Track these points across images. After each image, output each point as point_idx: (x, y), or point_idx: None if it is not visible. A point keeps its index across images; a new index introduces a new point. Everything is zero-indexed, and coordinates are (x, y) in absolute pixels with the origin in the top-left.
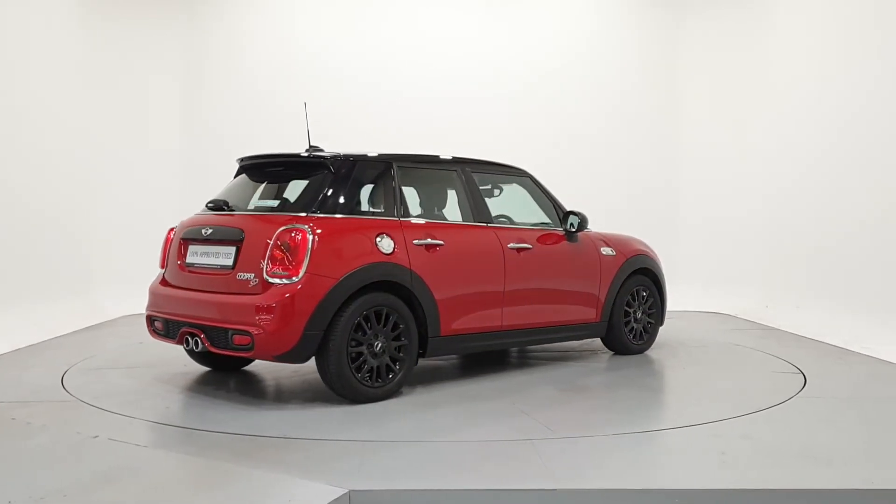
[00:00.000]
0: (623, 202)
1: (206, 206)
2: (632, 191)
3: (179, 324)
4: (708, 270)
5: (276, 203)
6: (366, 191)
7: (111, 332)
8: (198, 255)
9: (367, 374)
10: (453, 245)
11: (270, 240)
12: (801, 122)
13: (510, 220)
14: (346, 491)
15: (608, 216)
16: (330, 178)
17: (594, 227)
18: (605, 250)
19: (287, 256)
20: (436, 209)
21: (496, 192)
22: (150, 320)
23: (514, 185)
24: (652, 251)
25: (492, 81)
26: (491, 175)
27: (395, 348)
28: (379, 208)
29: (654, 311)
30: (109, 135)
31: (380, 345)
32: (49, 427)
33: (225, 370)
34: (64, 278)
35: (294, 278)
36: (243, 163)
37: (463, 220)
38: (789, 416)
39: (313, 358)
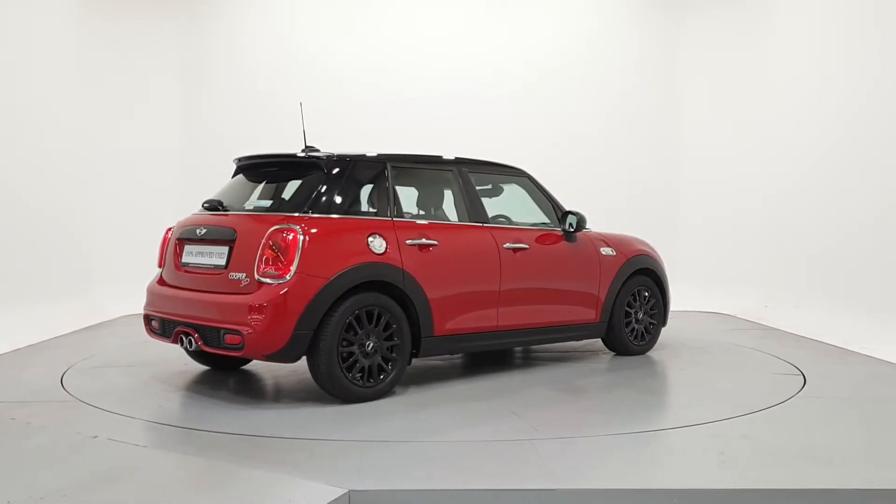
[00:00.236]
0: (623, 202)
1: (202, 205)
2: (632, 191)
3: (175, 323)
4: (708, 270)
5: (269, 203)
6: (359, 191)
7: (111, 332)
8: (193, 255)
9: (359, 374)
10: (447, 245)
11: (262, 240)
12: (801, 122)
13: (509, 221)
14: (346, 491)
15: (608, 216)
16: (323, 179)
17: (594, 227)
18: (605, 250)
19: (278, 256)
20: (431, 209)
21: (497, 192)
22: (148, 319)
23: (513, 185)
24: (654, 251)
25: (492, 81)
26: (489, 175)
27: (388, 348)
28: (372, 208)
29: (655, 311)
30: (109, 135)
31: (371, 344)
32: (48, 427)
33: (224, 369)
34: (63, 278)
35: (284, 278)
36: (240, 163)
37: (459, 221)
38: (789, 416)
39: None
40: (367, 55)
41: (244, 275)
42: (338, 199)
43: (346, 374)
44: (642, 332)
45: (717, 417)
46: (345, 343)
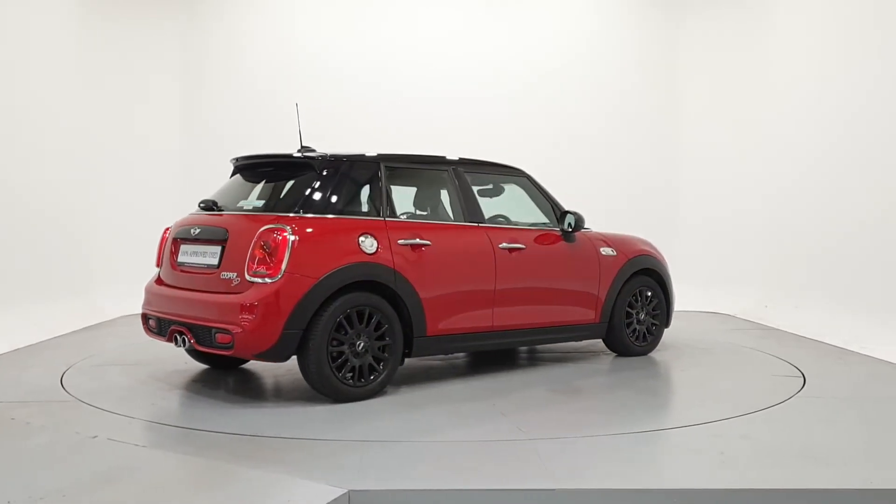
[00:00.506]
0: (623, 202)
1: (199, 205)
2: (632, 191)
3: (170, 322)
4: (707, 270)
5: (261, 203)
6: (351, 191)
7: (110, 331)
8: (188, 255)
9: (350, 374)
10: (441, 245)
11: (252, 240)
12: (801, 122)
13: (507, 221)
14: (346, 491)
15: (608, 216)
16: (315, 179)
17: (594, 227)
18: (606, 250)
19: (268, 256)
20: (427, 209)
21: (497, 192)
22: (145, 318)
23: (512, 185)
24: (657, 252)
25: (492, 81)
26: (487, 175)
27: (380, 348)
28: (364, 208)
29: (658, 312)
30: (109, 135)
31: (362, 344)
32: (48, 427)
33: (223, 368)
34: (63, 278)
35: (274, 278)
36: (237, 163)
37: (454, 221)
38: (789, 416)
39: None
40: (367, 55)
41: (235, 274)
42: (329, 200)
43: (336, 373)
44: (644, 333)
45: (717, 417)
46: (335, 342)
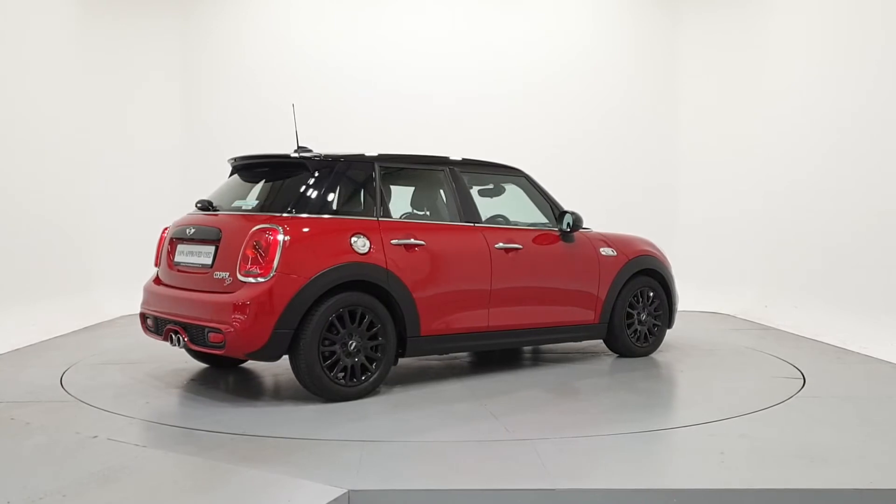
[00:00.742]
0: (622, 202)
1: (196, 205)
2: (631, 191)
3: (166, 321)
4: (706, 270)
5: (255, 203)
6: (345, 191)
7: (110, 331)
8: (184, 255)
9: (342, 373)
10: (435, 245)
11: (244, 240)
12: (800, 122)
13: (506, 221)
14: (346, 491)
15: (607, 216)
16: (309, 179)
17: (595, 227)
18: (606, 251)
19: (259, 256)
20: (424, 210)
21: (498, 191)
22: (143, 318)
23: (510, 185)
24: (659, 252)
25: (491, 81)
26: (485, 175)
27: (372, 348)
28: (358, 208)
29: (660, 313)
30: (108, 135)
31: (354, 344)
32: (48, 427)
33: (223, 367)
34: (63, 278)
35: (264, 278)
36: (234, 163)
37: (450, 221)
38: (788, 416)
39: None
40: (366, 55)
41: (227, 274)
42: (322, 200)
43: (328, 372)
44: (645, 334)
45: (717, 417)
46: (326, 342)
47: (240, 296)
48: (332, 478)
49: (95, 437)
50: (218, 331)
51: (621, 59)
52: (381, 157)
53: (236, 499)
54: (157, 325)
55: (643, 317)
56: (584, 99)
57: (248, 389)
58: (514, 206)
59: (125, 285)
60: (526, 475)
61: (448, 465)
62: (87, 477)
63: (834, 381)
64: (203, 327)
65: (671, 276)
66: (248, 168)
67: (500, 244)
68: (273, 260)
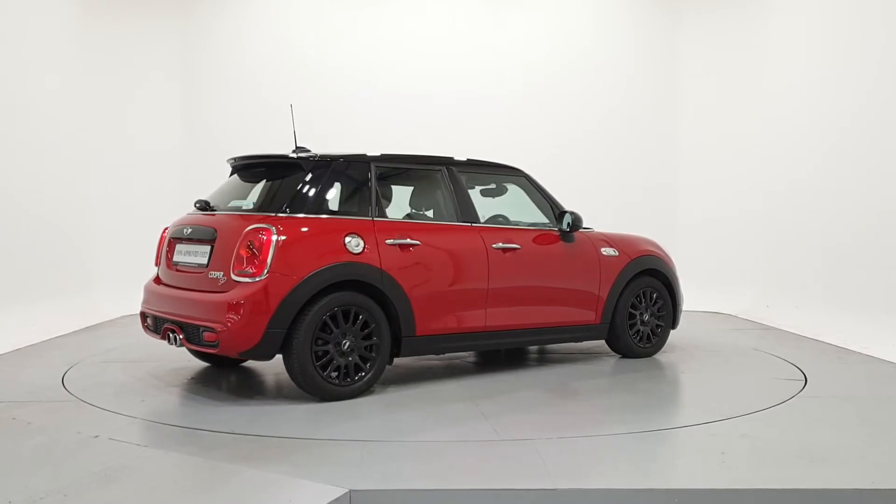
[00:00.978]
0: (622, 202)
1: (194, 205)
2: (631, 191)
3: (164, 320)
4: (706, 270)
5: (250, 203)
6: (340, 191)
7: (111, 331)
8: (182, 254)
9: (335, 373)
10: (430, 245)
11: (238, 239)
12: (801, 122)
13: (507, 221)
14: (347, 491)
15: (607, 216)
16: (304, 179)
17: (596, 227)
18: (607, 251)
19: (252, 256)
20: (422, 209)
21: (501, 191)
22: (143, 317)
23: (510, 184)
24: (663, 252)
25: (491, 81)
26: (484, 175)
27: (367, 347)
28: (352, 208)
29: (664, 313)
30: (108, 135)
31: (348, 343)
32: (49, 427)
33: (225, 367)
34: (63, 278)
35: (258, 277)
36: (233, 163)
37: (447, 221)
38: (789, 416)
39: None
40: (366, 55)
41: (221, 273)
42: (317, 200)
43: (321, 372)
44: (648, 335)
45: (718, 417)
46: (320, 342)
47: (233, 295)
48: (333, 477)
49: (96, 436)
50: (212, 330)
51: (621, 59)
52: (377, 158)
53: (237, 499)
54: (156, 324)
55: (646, 317)
56: (584, 99)
57: (249, 389)
58: (514, 206)
59: (125, 285)
60: (526, 475)
61: (448, 465)
62: (87, 477)
63: (835, 381)
64: (198, 326)
65: (675, 276)
66: (246, 168)
67: (498, 244)
68: (266, 260)
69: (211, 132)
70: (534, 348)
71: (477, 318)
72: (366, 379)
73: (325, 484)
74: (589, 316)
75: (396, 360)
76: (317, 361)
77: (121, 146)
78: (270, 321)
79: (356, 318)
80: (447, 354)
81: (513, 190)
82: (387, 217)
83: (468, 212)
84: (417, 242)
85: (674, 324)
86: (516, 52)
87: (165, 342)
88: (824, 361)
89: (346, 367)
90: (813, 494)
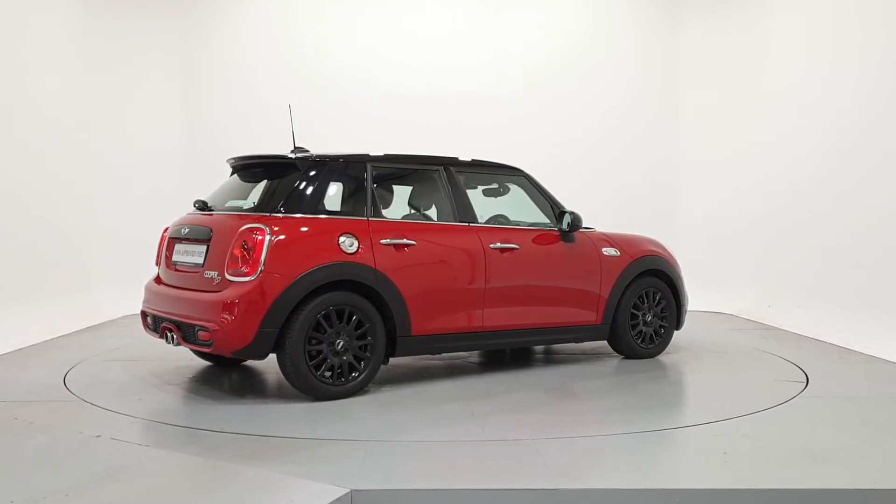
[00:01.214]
0: (622, 202)
1: (193, 205)
2: (631, 191)
3: (162, 319)
4: (707, 270)
5: (245, 203)
6: (335, 191)
7: (113, 331)
8: (180, 254)
9: (328, 372)
10: (426, 245)
11: (233, 239)
12: (801, 122)
13: (507, 220)
14: (349, 490)
15: (607, 216)
16: (299, 179)
17: (598, 227)
18: (608, 251)
19: (246, 255)
20: (420, 209)
21: (503, 191)
22: (144, 316)
23: (510, 184)
24: (666, 252)
25: (492, 81)
26: (483, 175)
27: (361, 347)
28: (347, 208)
29: (667, 314)
30: (108, 135)
31: (342, 343)
32: (51, 426)
33: (226, 366)
34: (63, 278)
35: (250, 277)
36: (232, 163)
37: (445, 220)
38: (791, 416)
39: None
40: (366, 55)
41: (216, 273)
42: (312, 200)
43: (313, 371)
44: (651, 335)
45: (720, 417)
46: (313, 341)
47: (226, 295)
48: (334, 477)
49: (98, 436)
50: (206, 329)
51: (621, 59)
52: (374, 158)
53: (239, 498)
54: (155, 323)
55: (648, 318)
56: (584, 99)
57: (251, 388)
58: (515, 206)
59: (125, 285)
60: (527, 475)
61: (449, 465)
62: (89, 476)
63: (836, 382)
64: (193, 326)
65: (679, 276)
66: (244, 168)
67: (496, 244)
68: (259, 259)
69: (211, 132)
70: (539, 349)
71: (474, 319)
72: (359, 379)
73: (326, 484)
74: (589, 316)
75: (396, 361)
76: (310, 361)
77: (121, 146)
78: (263, 320)
79: (350, 317)
80: (450, 354)
81: (513, 190)
82: (383, 217)
83: (466, 212)
84: (413, 242)
85: (678, 325)
86: (516, 52)
87: (164, 341)
88: (826, 361)
89: (340, 366)
90: (814, 494)
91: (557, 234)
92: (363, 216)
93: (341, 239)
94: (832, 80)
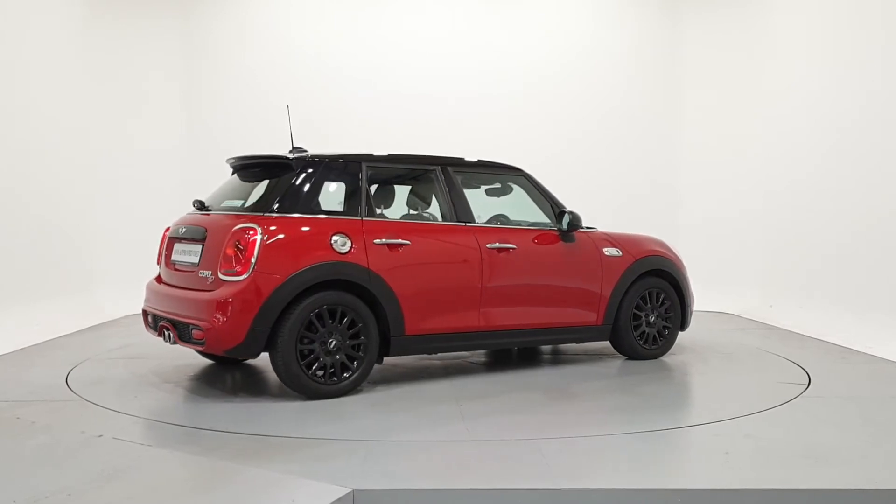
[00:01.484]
0: (622, 202)
1: (193, 205)
2: (632, 190)
3: (161, 318)
4: (708, 270)
5: (241, 203)
6: (329, 191)
7: (114, 331)
8: (179, 253)
9: (321, 371)
10: (421, 245)
11: (226, 238)
12: (803, 122)
13: (507, 220)
14: (350, 490)
15: (607, 216)
16: (294, 179)
17: (599, 227)
18: (610, 251)
19: (238, 255)
20: (418, 209)
21: (506, 191)
22: (145, 315)
23: (510, 184)
24: (671, 252)
25: (492, 81)
26: (480, 174)
27: (354, 347)
28: (341, 208)
29: (671, 314)
30: (109, 135)
31: (334, 342)
32: (53, 426)
33: (228, 365)
34: (63, 278)
35: (242, 276)
36: (231, 163)
37: (442, 220)
38: (793, 416)
39: None
40: (366, 56)
41: (210, 272)
42: (305, 199)
43: (305, 370)
44: (655, 336)
45: (722, 417)
46: (305, 340)
47: (218, 294)
48: (335, 477)
49: (100, 436)
50: (199, 328)
51: (621, 59)
52: (369, 157)
53: (240, 498)
54: (155, 322)
55: (652, 318)
56: (584, 99)
57: (252, 387)
58: (515, 205)
59: (125, 285)
60: (529, 475)
61: (450, 465)
62: (91, 476)
63: (839, 381)
64: (188, 324)
65: (684, 277)
66: (242, 168)
67: (493, 244)
68: (251, 259)
69: (211, 132)
70: (545, 349)
71: (470, 319)
72: (352, 378)
73: (328, 483)
74: (590, 317)
75: (397, 360)
76: (303, 360)
77: (121, 146)
78: (255, 319)
79: (343, 317)
80: (452, 354)
81: (515, 190)
82: (377, 217)
83: (463, 212)
84: (407, 242)
85: (682, 325)
86: (516, 52)
87: (162, 339)
88: (828, 361)
89: (333, 365)
90: (816, 494)
91: (557, 233)
92: (357, 216)
93: (334, 238)
94: (832, 80)
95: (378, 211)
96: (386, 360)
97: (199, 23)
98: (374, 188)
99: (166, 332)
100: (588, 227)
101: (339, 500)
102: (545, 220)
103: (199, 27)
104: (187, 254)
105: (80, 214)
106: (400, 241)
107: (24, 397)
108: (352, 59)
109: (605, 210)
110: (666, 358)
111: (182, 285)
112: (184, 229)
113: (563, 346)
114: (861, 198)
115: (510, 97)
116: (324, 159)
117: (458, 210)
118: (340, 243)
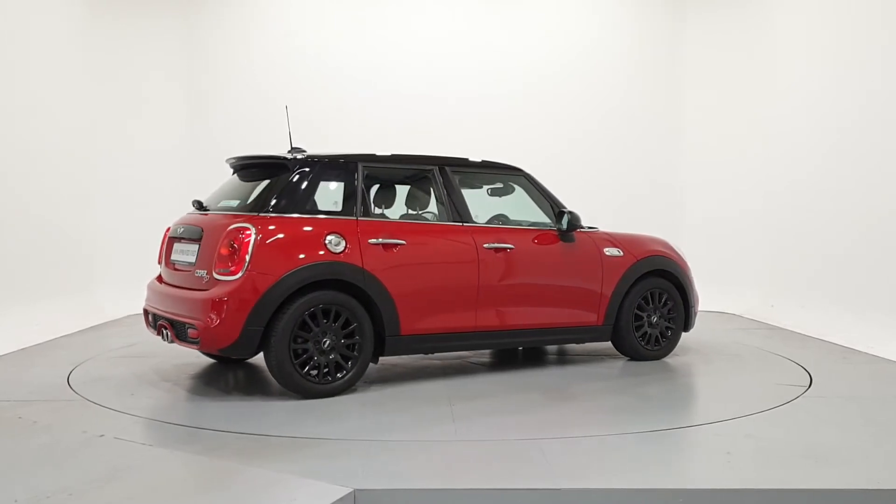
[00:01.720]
0: (622, 202)
1: (192, 205)
2: (633, 190)
3: (160, 317)
4: (709, 270)
5: (237, 203)
6: (324, 191)
7: (115, 330)
8: (177, 253)
9: (314, 371)
10: (417, 245)
11: (220, 238)
12: (804, 121)
13: (507, 220)
14: (351, 490)
15: (608, 216)
16: (289, 179)
17: (601, 227)
18: (611, 251)
19: (232, 254)
20: (415, 209)
21: (507, 191)
22: (146, 314)
23: (510, 184)
24: (674, 252)
25: (492, 81)
26: (480, 174)
27: (349, 346)
28: (337, 208)
29: (674, 315)
30: (109, 135)
31: (328, 342)
32: (54, 426)
33: (230, 364)
34: (64, 278)
35: (236, 275)
36: (230, 163)
37: (439, 220)
38: (794, 416)
39: None
40: (366, 56)
41: (205, 272)
42: (301, 199)
43: (298, 369)
44: (657, 337)
45: (723, 417)
46: (299, 340)
47: (212, 293)
48: (336, 477)
49: (102, 435)
50: (194, 327)
51: (621, 59)
52: (365, 157)
53: (241, 498)
54: (154, 321)
55: (654, 319)
56: (584, 99)
57: (253, 387)
58: (515, 205)
59: (125, 285)
60: (530, 475)
61: (451, 465)
62: (92, 476)
63: (840, 381)
64: (184, 323)
65: (688, 277)
66: (240, 168)
67: (491, 244)
68: (245, 258)
69: (212, 132)
70: (551, 351)
71: (466, 319)
72: (346, 378)
73: (329, 483)
74: (590, 317)
75: (397, 360)
76: (296, 359)
77: (122, 146)
78: (248, 319)
79: (337, 316)
80: (453, 354)
81: (515, 190)
82: (373, 217)
83: (461, 211)
84: (402, 242)
85: (686, 326)
86: (516, 52)
87: (160, 338)
88: (830, 361)
89: (327, 365)
90: (817, 495)
91: (556, 233)
92: (352, 216)
93: (328, 238)
94: (833, 80)
95: (377, 211)
96: (385, 359)
97: (199, 23)
98: (373, 188)
99: (164, 331)
100: (590, 227)
101: (341, 499)
102: (545, 219)
103: (199, 27)
104: (185, 253)
105: (80, 214)
106: (395, 241)
107: (26, 397)
108: (352, 59)
109: (605, 210)
110: (667, 358)
111: (180, 285)
112: (182, 229)
113: (566, 347)
114: (862, 198)
115: (510, 97)
116: (320, 159)
117: (456, 210)
118: (335, 243)
